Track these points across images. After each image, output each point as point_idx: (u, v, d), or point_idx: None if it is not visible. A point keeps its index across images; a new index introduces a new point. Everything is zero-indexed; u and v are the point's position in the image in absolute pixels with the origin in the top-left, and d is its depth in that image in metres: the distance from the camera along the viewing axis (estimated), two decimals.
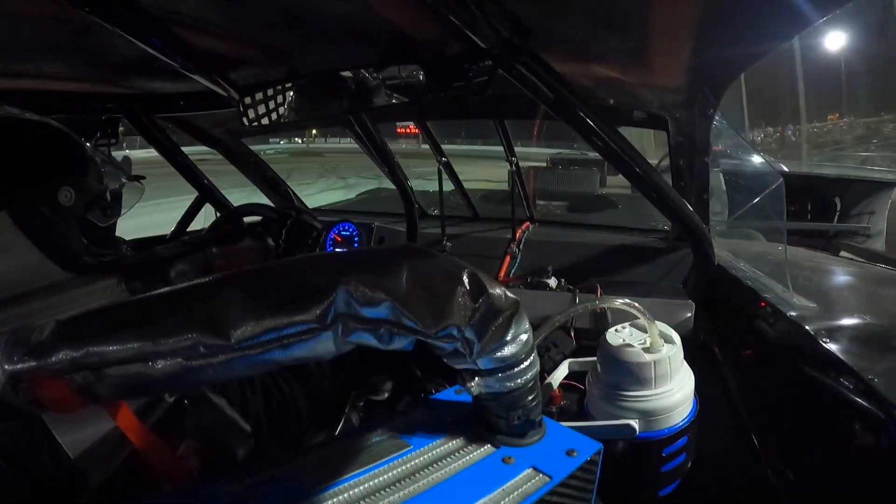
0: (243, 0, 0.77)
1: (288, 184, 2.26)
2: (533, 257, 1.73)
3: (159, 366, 0.44)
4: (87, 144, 0.77)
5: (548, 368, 1.17)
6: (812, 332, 0.87)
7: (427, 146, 2.01)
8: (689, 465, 0.95)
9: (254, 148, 2.12)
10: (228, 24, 0.85)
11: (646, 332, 0.90)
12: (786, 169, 5.97)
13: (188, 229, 1.99)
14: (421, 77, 0.92)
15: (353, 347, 0.47)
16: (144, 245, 1.07)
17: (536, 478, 0.52)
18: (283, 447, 0.81)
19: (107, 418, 0.57)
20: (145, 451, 0.52)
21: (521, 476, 0.51)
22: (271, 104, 1.05)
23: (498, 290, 0.51)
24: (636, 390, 0.87)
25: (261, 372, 0.47)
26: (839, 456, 0.72)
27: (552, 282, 1.51)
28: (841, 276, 1.54)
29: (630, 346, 0.89)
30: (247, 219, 1.44)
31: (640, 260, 1.67)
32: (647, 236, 1.82)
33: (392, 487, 0.48)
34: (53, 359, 0.43)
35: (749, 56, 0.91)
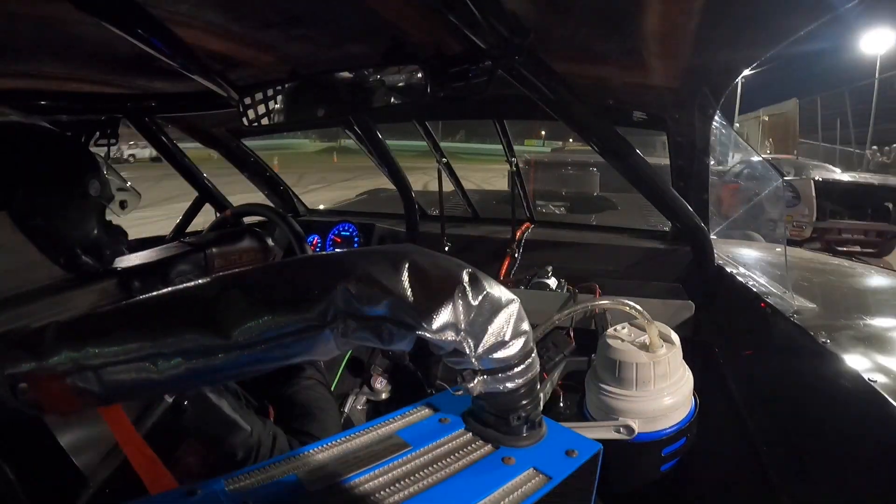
0: (244, 0, 0.77)
1: None
2: (533, 258, 1.73)
3: (160, 366, 0.44)
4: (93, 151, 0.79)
5: (547, 369, 1.17)
6: (811, 332, 0.87)
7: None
8: (689, 465, 0.95)
9: None
10: (228, 24, 0.85)
11: (645, 332, 0.90)
12: (847, 178, 7.33)
13: (187, 230, 1.99)
14: (421, 77, 0.92)
15: (353, 346, 0.47)
16: (144, 245, 1.06)
17: (536, 478, 0.52)
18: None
19: None
20: (137, 464, 0.51)
21: (520, 476, 0.51)
22: (271, 104, 1.05)
23: (497, 290, 0.51)
24: (635, 390, 0.87)
25: (262, 371, 0.47)
26: (839, 455, 0.72)
27: (552, 282, 1.51)
28: (840, 277, 1.54)
29: (629, 346, 0.89)
30: (247, 219, 1.44)
31: (640, 260, 1.67)
32: (647, 237, 1.82)
33: (392, 487, 0.48)
34: (53, 360, 0.43)
35: (749, 57, 0.91)
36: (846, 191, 6.76)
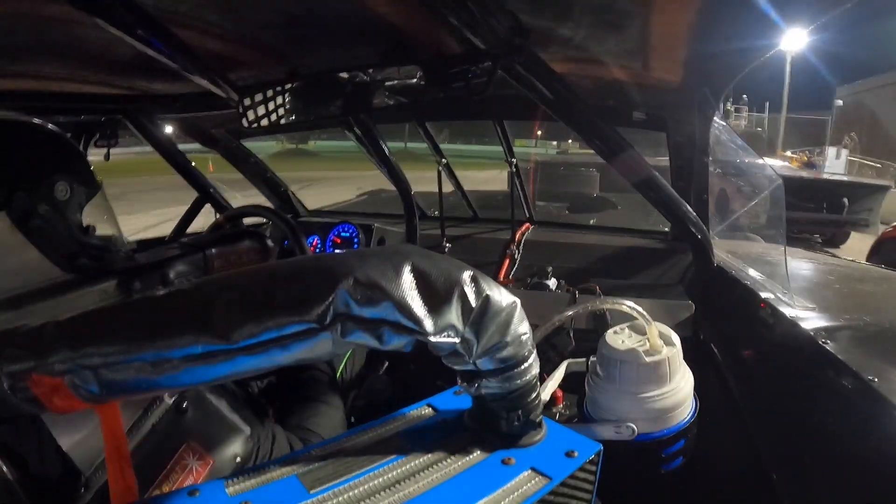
0: (243, 1, 0.77)
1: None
2: (532, 258, 1.73)
3: (158, 366, 0.44)
4: (78, 143, 0.76)
5: (547, 369, 1.17)
6: (811, 333, 0.87)
7: None
8: (689, 465, 0.95)
9: None
10: (228, 25, 0.85)
11: (645, 332, 0.90)
12: (806, 175, 8.10)
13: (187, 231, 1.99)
14: (421, 77, 0.92)
15: (352, 347, 0.47)
16: (144, 246, 1.06)
17: (536, 479, 0.52)
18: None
19: None
20: (112, 472, 0.51)
21: (520, 477, 0.51)
22: (271, 105, 1.05)
23: (497, 291, 0.51)
24: (635, 391, 0.87)
25: (260, 372, 0.47)
26: (839, 456, 0.72)
27: (552, 283, 1.51)
28: (840, 277, 1.54)
29: (629, 347, 0.89)
30: (248, 220, 1.44)
31: (640, 261, 1.67)
32: (647, 237, 1.82)
33: (392, 488, 0.48)
34: (52, 359, 0.43)
35: (749, 57, 0.91)
36: (804, 186, 7.31)
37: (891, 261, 5.20)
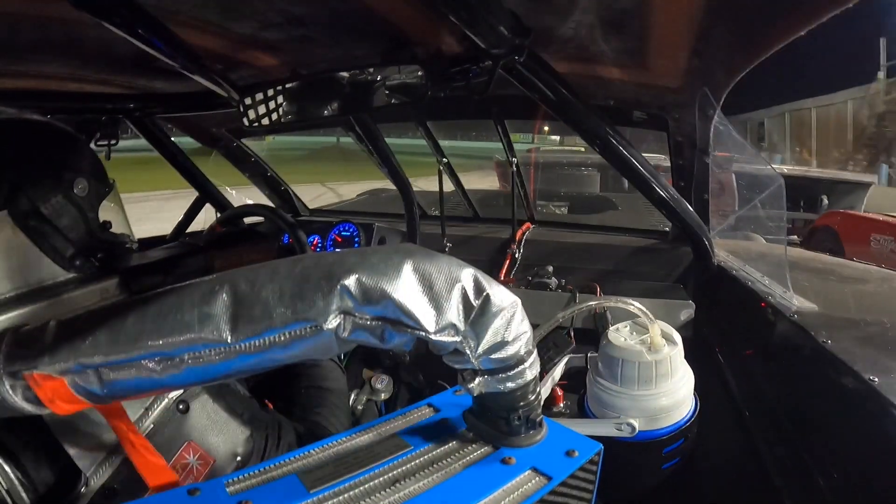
0: (244, 0, 0.77)
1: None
2: (533, 258, 1.73)
3: (160, 365, 0.44)
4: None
5: (547, 368, 1.17)
6: (812, 333, 0.87)
7: None
8: (689, 464, 0.95)
9: None
10: (228, 24, 0.85)
11: (647, 331, 0.90)
12: (786, 170, 7.58)
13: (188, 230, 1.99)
14: (421, 77, 0.92)
15: (353, 346, 0.47)
16: (145, 245, 1.06)
17: (536, 478, 0.52)
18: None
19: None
20: (138, 461, 0.51)
21: (521, 477, 0.51)
22: (272, 104, 1.05)
23: (498, 290, 0.51)
24: (637, 389, 0.87)
25: (262, 371, 0.47)
26: (839, 455, 0.72)
27: (552, 282, 1.51)
28: (841, 277, 1.54)
29: (632, 344, 0.89)
30: (248, 219, 1.45)
31: (641, 260, 1.67)
32: (647, 237, 1.82)
33: (392, 487, 0.48)
34: (54, 359, 0.43)
35: (749, 57, 0.91)
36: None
37: (822, 249, 4.92)
